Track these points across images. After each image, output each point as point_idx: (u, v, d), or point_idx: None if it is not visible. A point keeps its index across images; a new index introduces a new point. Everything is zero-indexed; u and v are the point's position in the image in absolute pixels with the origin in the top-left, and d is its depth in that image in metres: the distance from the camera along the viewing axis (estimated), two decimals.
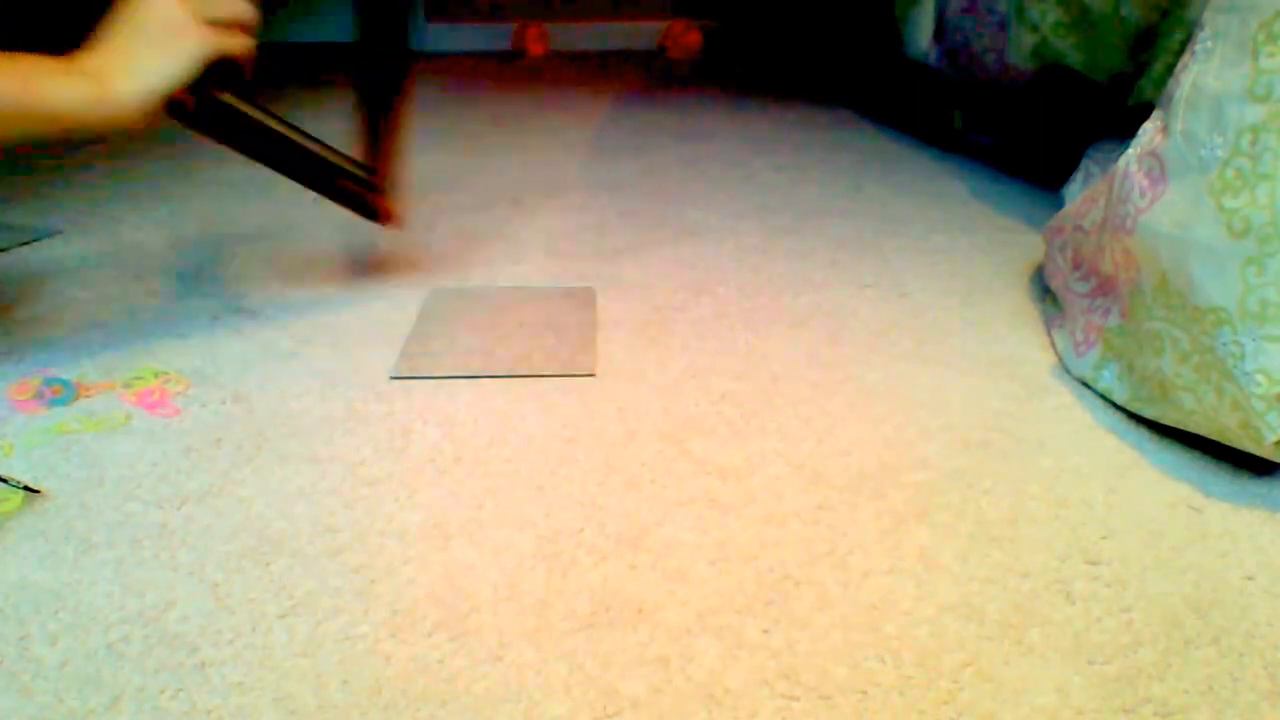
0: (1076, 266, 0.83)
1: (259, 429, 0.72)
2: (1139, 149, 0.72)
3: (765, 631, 0.53)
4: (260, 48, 0.78)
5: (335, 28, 2.31)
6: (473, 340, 0.86)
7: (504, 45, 2.31)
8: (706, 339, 0.87)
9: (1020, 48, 1.15)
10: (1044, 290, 0.94)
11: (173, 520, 0.62)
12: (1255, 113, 0.61)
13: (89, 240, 1.09)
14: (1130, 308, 0.72)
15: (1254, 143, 0.60)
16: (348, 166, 0.89)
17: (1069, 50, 1.08)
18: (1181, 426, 0.69)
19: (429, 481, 0.66)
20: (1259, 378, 0.60)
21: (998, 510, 0.64)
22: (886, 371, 0.81)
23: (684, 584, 0.57)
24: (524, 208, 1.20)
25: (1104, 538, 0.61)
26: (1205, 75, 0.65)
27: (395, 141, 0.93)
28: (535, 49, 2.24)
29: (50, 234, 1.10)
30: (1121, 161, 0.74)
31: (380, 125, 0.93)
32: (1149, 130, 0.71)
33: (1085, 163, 1.06)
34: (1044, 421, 0.74)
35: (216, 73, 0.76)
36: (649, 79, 2.00)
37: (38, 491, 0.64)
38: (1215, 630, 0.54)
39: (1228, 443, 0.66)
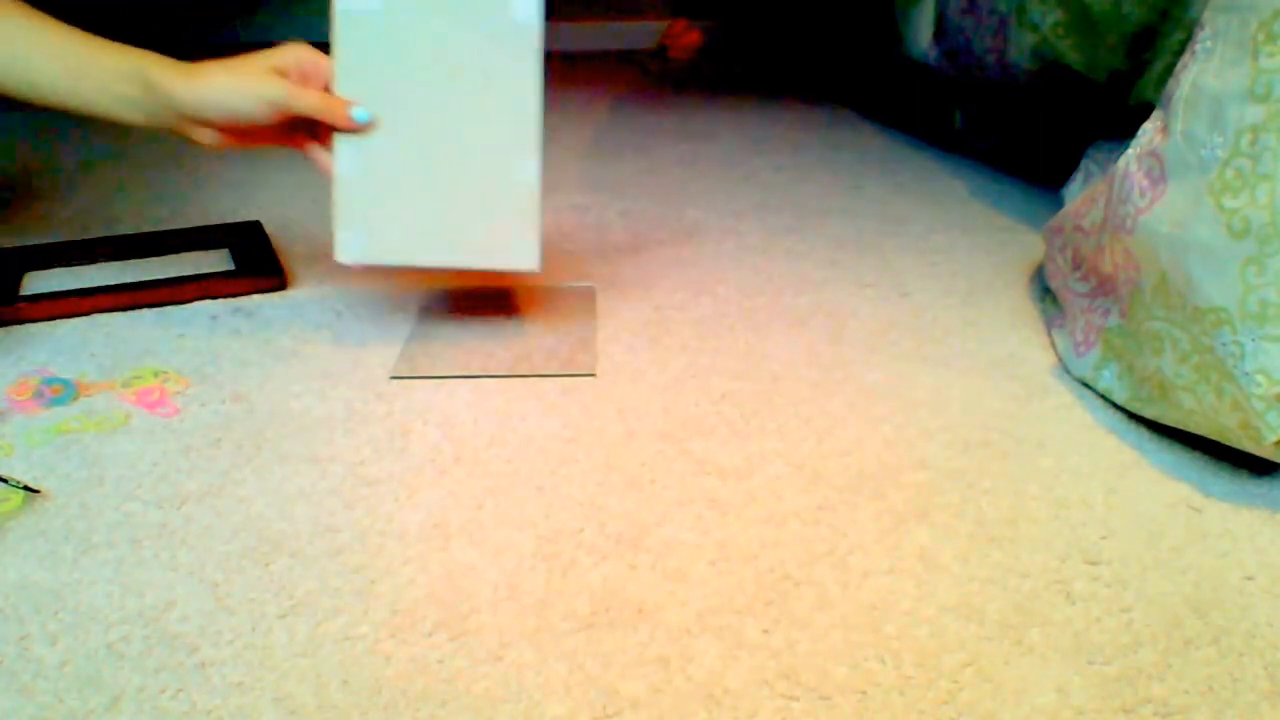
0: (1076, 266, 0.83)
1: (259, 429, 0.72)
2: (1139, 149, 0.71)
3: (765, 631, 0.53)
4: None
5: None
6: (473, 340, 0.86)
7: None
8: (706, 339, 0.87)
9: (1020, 48, 1.15)
10: (1044, 290, 0.94)
11: (173, 520, 0.62)
12: (1255, 113, 0.60)
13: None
14: (1130, 308, 0.72)
15: (1254, 143, 0.60)
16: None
17: (1069, 50, 1.08)
18: (1181, 426, 0.69)
19: (429, 481, 0.66)
20: (1259, 378, 0.60)
21: (998, 510, 0.64)
22: (886, 371, 0.81)
23: (684, 584, 0.57)
24: None
25: (1104, 538, 0.61)
26: (1205, 75, 0.65)
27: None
28: None
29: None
30: (1121, 161, 0.74)
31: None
32: (1149, 130, 0.71)
33: (1085, 163, 1.06)
34: (1044, 421, 0.74)
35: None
36: (649, 79, 2.00)
37: (38, 491, 0.64)
38: (1215, 630, 0.54)
39: (1228, 443, 0.66)
